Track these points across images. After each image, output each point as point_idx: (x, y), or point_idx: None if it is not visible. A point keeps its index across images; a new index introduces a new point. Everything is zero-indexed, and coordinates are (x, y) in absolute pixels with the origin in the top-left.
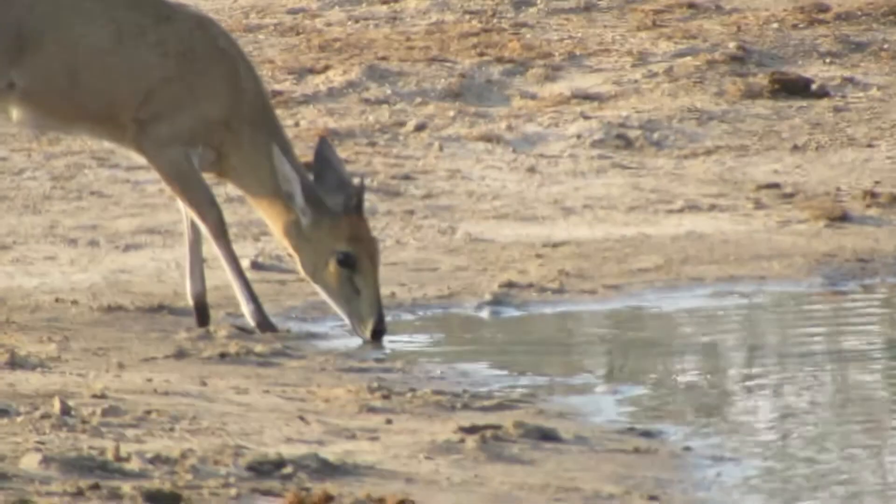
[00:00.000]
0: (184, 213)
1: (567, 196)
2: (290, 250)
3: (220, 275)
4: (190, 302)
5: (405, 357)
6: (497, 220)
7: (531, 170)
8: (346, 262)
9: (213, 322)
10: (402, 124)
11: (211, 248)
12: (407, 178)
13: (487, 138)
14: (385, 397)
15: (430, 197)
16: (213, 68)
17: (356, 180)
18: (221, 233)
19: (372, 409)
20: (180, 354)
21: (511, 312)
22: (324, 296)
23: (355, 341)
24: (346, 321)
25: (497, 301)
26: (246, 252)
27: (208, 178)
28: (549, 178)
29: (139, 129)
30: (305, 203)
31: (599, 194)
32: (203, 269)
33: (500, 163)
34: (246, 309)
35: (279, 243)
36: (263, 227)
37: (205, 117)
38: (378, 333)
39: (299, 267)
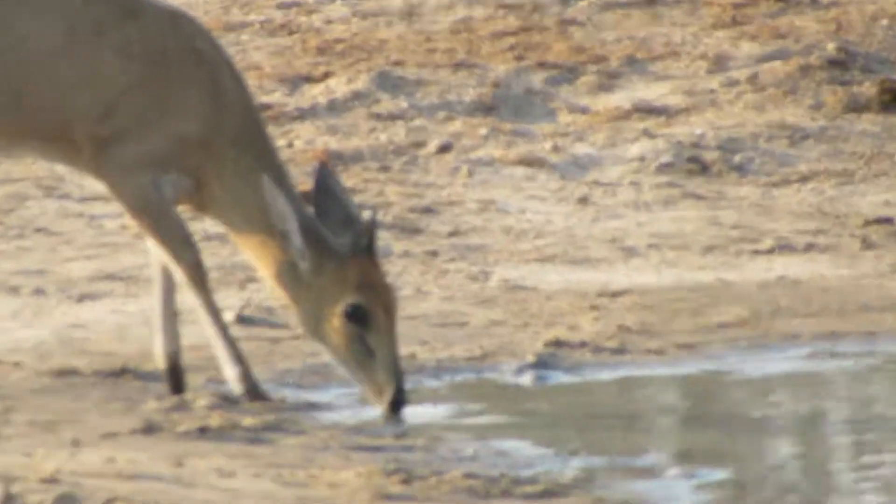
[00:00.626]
0: (153, 254)
1: (628, 233)
2: (286, 301)
3: (198, 331)
4: (161, 364)
5: (429, 432)
6: (541, 262)
7: (582, 201)
8: (356, 316)
9: (189, 389)
10: (421, 145)
11: (187, 297)
12: (428, 211)
13: (528, 162)
14: (404, 482)
15: (457, 234)
16: (190, 75)
17: (366, 214)
18: (199, 279)
19: (388, 497)
20: (150, 429)
21: (559, 378)
22: (328, 357)
23: (367, 413)
24: (359, 389)
25: (542, 363)
26: (230, 303)
27: (183, 211)
28: (605, 211)
29: (98, 150)
30: (304, 243)
31: (668, 231)
32: (177, 323)
33: (544, 192)
34: (230, 373)
35: (271, 292)
36: (252, 271)
37: (179, 136)
38: (397, 404)
39: (297, 322)
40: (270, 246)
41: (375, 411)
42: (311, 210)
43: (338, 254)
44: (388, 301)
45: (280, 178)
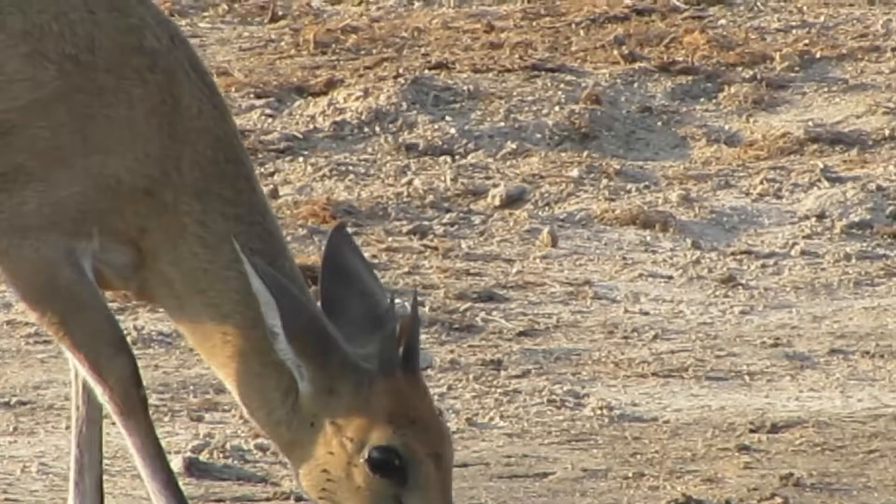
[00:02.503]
0: (72, 368)
1: (799, 332)
2: (276, 442)
3: (130, 486)
4: None
5: None
6: (662, 379)
7: (728, 282)
8: (388, 467)
9: None
10: (478, 194)
11: (118, 431)
12: (490, 298)
13: (644, 221)
14: None
15: (533, 335)
16: (131, 88)
17: (403, 306)
18: (134, 404)
19: None
20: None
21: None
22: None
23: None
24: None
25: None
26: (178, 441)
27: (112, 299)
28: (764, 299)
29: None
30: (305, 353)
31: (863, 328)
32: (101, 477)
33: (669, 268)
34: None
35: (252, 424)
36: (213, 391)
37: (109, 182)
38: None
39: (295, 474)
40: (251, 356)
41: None
42: (317, 302)
43: (359, 370)
44: (437, 444)
45: (272, 250)
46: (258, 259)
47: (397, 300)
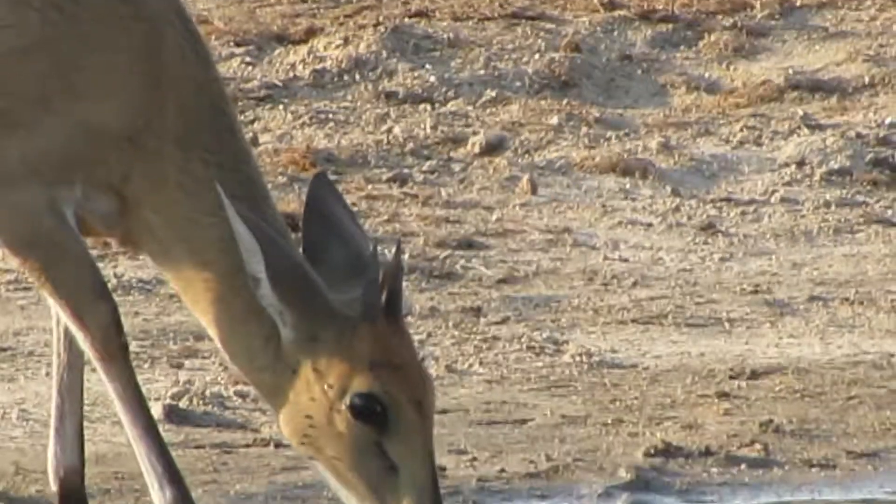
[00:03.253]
0: (54, 315)
1: (779, 279)
2: (258, 388)
3: (110, 433)
4: (53, 485)
5: None
6: (643, 326)
7: (708, 229)
8: (370, 414)
9: None
10: (458, 142)
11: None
12: (470, 246)
13: (624, 169)
14: None
15: (512, 282)
16: (115, 36)
17: (386, 253)
18: (115, 350)
19: None
20: None
21: None
22: (324, 475)
23: None
24: None
25: (642, 484)
26: (158, 388)
27: (94, 246)
28: (744, 246)
29: None
30: (287, 299)
31: (842, 275)
32: (81, 423)
33: (648, 215)
34: (159, 499)
35: (234, 370)
36: (193, 338)
37: (92, 130)
38: None
39: (278, 420)
40: (234, 303)
41: None
42: (300, 248)
43: (341, 316)
44: (418, 390)
45: (255, 197)
46: (241, 206)
47: (387, 248)
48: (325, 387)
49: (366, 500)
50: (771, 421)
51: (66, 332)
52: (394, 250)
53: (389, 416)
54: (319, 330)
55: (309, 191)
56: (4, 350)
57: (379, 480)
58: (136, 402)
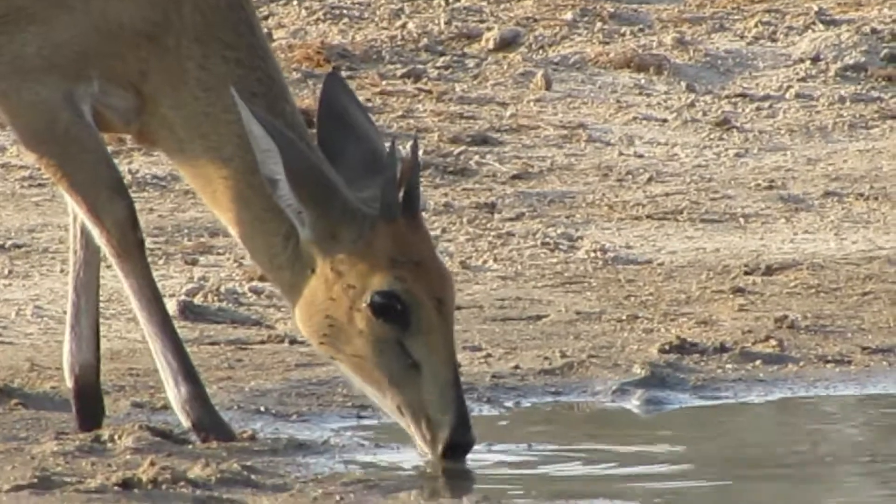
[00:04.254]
0: (71, 213)
1: (794, 175)
2: (278, 286)
3: (125, 330)
4: (68, 382)
5: (482, 490)
6: (657, 221)
7: (723, 125)
8: (391, 311)
9: (109, 421)
10: (472, 37)
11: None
12: (484, 142)
13: (638, 65)
14: None
15: (526, 178)
16: None
17: (403, 150)
18: (131, 246)
19: None
20: (44, 484)
21: (683, 402)
22: (344, 372)
23: (386, 457)
24: (400, 421)
25: (657, 380)
26: (172, 284)
27: (110, 142)
28: (759, 142)
29: None
30: (305, 197)
31: (857, 171)
32: (97, 320)
33: (663, 111)
34: (174, 395)
35: (259, 267)
36: (207, 236)
37: (110, 24)
38: (456, 447)
39: (297, 319)
40: (252, 201)
41: (412, 456)
42: (316, 144)
43: (360, 215)
44: (439, 288)
45: (274, 95)
46: (258, 103)
47: (404, 145)
48: (345, 286)
49: (388, 398)
50: (785, 317)
51: (83, 229)
52: (410, 147)
53: (410, 314)
54: (338, 229)
55: (322, 90)
56: (19, 247)
57: (401, 379)
58: (152, 298)
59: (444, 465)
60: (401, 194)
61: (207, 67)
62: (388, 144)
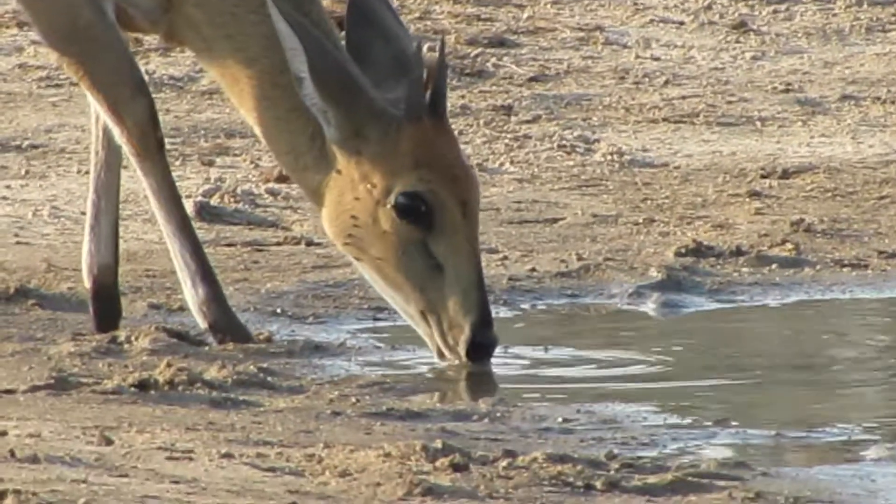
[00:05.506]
0: (93, 114)
1: (811, 78)
2: (302, 187)
3: (142, 230)
4: (86, 283)
5: (497, 391)
6: (674, 124)
7: (740, 27)
8: (415, 213)
9: (126, 322)
10: None
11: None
12: (501, 44)
13: None
14: (458, 468)
15: (543, 80)
16: None
17: (429, 51)
18: (151, 146)
19: (431, 492)
20: (61, 384)
21: (699, 305)
22: (367, 275)
23: (400, 359)
24: (415, 325)
25: (673, 283)
26: (189, 185)
27: (132, 43)
28: (776, 44)
29: None
30: (331, 98)
31: (874, 74)
32: (117, 222)
33: (680, 14)
34: (191, 296)
35: (284, 168)
36: (224, 138)
37: None
38: (480, 348)
39: (322, 219)
40: (278, 101)
41: (429, 357)
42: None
43: (386, 115)
44: (464, 190)
45: None
46: (285, 4)
47: (430, 45)
48: (370, 186)
49: (411, 301)
50: (802, 220)
51: (105, 130)
52: (438, 48)
53: (434, 215)
54: (364, 129)
55: None
56: (36, 147)
57: (424, 280)
58: (171, 198)
59: (468, 368)
60: (427, 95)
61: None
62: (413, 45)
